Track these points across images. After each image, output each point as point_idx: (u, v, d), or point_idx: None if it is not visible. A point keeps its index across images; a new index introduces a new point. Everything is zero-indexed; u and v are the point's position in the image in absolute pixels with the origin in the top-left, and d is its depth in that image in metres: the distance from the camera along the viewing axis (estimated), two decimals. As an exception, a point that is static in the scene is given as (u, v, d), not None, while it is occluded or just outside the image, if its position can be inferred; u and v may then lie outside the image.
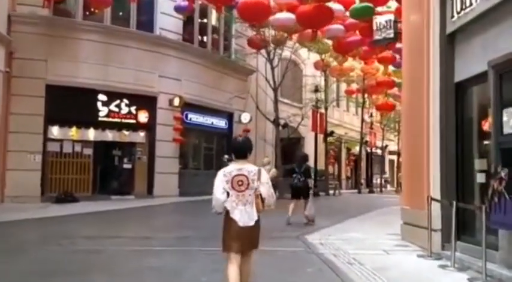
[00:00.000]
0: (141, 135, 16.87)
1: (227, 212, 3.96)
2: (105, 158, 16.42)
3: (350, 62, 24.29)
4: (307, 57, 23.37)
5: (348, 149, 31.33)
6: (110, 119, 16.02)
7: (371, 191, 27.66)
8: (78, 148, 15.66)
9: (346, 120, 30.73)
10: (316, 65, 23.66)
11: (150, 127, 16.83)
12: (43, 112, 14.61)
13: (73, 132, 15.60)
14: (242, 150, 4.12)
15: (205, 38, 19.51)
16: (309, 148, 26.86)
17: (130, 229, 9.13)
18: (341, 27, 14.45)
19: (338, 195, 22.67)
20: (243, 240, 3.95)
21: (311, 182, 11.04)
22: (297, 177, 10.46)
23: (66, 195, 14.48)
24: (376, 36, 9.58)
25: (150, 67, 16.53)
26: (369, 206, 15.62)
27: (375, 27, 9.68)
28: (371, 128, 29.34)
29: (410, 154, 7.81)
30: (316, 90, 21.07)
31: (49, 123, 15.01)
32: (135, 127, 16.63)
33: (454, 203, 5.78)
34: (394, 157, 39.18)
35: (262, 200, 3.94)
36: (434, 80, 6.69)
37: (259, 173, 3.99)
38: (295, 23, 13.23)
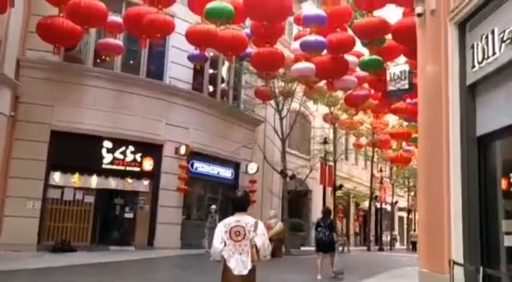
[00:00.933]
0: (144, 184, 16.45)
1: (225, 260, 4.31)
2: (107, 206, 15.94)
3: (360, 115, 24.19)
4: (316, 109, 23.22)
5: (357, 204, 30.56)
6: (114, 167, 15.67)
7: (381, 249, 26.61)
8: (79, 195, 15.21)
9: (354, 174, 30.17)
10: (325, 118, 23.49)
11: (154, 175, 16.43)
12: (46, 158, 14.33)
13: (75, 179, 15.21)
14: (241, 204, 4.60)
15: (214, 88, 19.47)
16: (316, 202, 26.21)
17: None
18: (354, 79, 14.29)
19: (347, 253, 21.72)
20: None
21: (336, 236, 11.33)
22: (322, 231, 10.83)
23: (63, 245, 13.89)
24: (390, 87, 9.30)
25: (157, 115, 16.36)
26: (382, 265, 14.82)
27: (388, 78, 9.42)
28: (381, 183, 28.70)
29: (428, 212, 7.26)
30: (325, 142, 20.71)
31: (51, 169, 14.68)
32: (139, 175, 16.24)
33: (481, 268, 5.19)
34: (404, 214, 38.22)
35: (257, 250, 4.28)
36: (454, 133, 6.27)
37: (256, 225, 4.39)
38: (314, 73, 13.08)
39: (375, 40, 11.71)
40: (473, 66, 5.98)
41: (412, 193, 34.92)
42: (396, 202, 31.76)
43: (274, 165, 19.40)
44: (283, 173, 18.01)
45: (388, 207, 32.82)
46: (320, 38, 11.82)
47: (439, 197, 6.53)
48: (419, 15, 7.28)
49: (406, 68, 9.20)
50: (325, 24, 12.20)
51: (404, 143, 26.63)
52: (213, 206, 16.25)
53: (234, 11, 11.41)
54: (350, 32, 13.73)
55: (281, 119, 17.92)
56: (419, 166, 7.84)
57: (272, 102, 18.47)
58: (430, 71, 7.25)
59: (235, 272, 4.28)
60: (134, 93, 15.90)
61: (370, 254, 23.01)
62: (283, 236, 16.29)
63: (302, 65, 13.41)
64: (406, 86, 8.95)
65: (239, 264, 4.30)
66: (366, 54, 13.85)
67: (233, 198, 4.79)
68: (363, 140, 27.27)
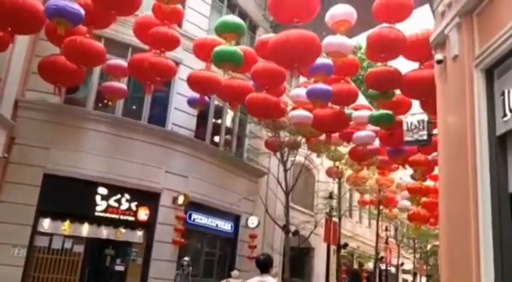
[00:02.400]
0: (138, 235, 15.54)
1: None
2: (97, 257, 14.93)
3: (366, 171, 23.50)
4: (320, 163, 22.60)
5: (360, 264, 29.16)
6: (107, 215, 14.84)
7: (385, 314, 25.08)
8: (68, 244, 14.27)
9: (358, 232, 29.05)
10: (329, 172, 22.78)
11: (149, 226, 15.55)
12: (36, 203, 13.57)
13: (65, 227, 14.33)
14: (265, 265, 5.14)
15: (217, 138, 18.97)
16: (319, 260, 25.01)
17: None
18: (372, 133, 13.77)
19: (351, 317, 20.32)
20: None
21: None
22: None
23: (46, 298, 12.84)
24: (407, 138, 8.71)
25: (157, 162, 15.74)
26: None
27: (405, 128, 8.85)
28: (386, 243, 27.51)
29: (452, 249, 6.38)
30: (331, 197, 19.91)
31: (41, 215, 13.86)
32: (133, 225, 15.37)
33: None
34: (409, 277, 36.60)
35: None
36: (483, 190, 5.59)
37: None
38: (310, 122, 12.61)
39: (388, 91, 11.24)
40: (504, 115, 5.40)
41: (418, 255, 33.63)
42: (402, 264, 30.38)
43: (276, 220, 18.51)
44: (285, 228, 17.09)
45: (393, 269, 31.38)
46: (328, 87, 11.41)
47: (467, 265, 5.73)
48: (439, 62, 6.80)
49: (425, 117, 8.64)
50: (331, 74, 11.85)
51: (401, 199, 25.90)
52: (186, 258, 14.61)
53: (243, 58, 11.11)
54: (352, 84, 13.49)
55: (285, 170, 17.24)
56: (441, 226, 7.05)
57: (277, 153, 17.88)
58: (453, 122, 6.65)
59: None
60: (134, 139, 15.35)
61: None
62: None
63: (299, 112, 12.96)
64: (425, 137, 8.35)
65: None
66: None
67: (258, 260, 5.40)
68: (367, 197, 26.42)
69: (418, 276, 34.24)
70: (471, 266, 5.58)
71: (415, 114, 8.85)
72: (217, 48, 10.86)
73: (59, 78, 11.53)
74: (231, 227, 19.16)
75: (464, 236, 5.81)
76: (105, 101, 14.88)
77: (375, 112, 12.87)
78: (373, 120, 12.17)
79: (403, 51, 9.51)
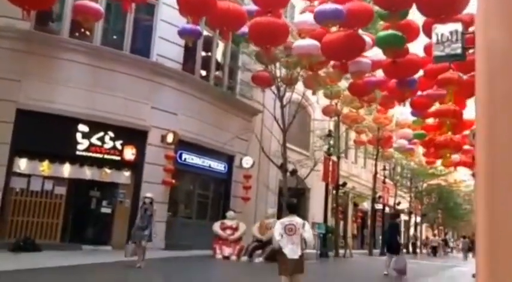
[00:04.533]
0: (125, 175, 14.45)
1: (280, 248, 5.79)
2: (81, 199, 13.93)
3: (363, 110, 22.38)
4: (316, 101, 21.37)
5: (355, 205, 28.74)
6: (90, 154, 13.66)
7: (382, 253, 24.75)
8: (48, 186, 13.20)
9: (354, 172, 28.35)
10: (325, 111, 21.59)
11: (136, 166, 14.45)
12: (9, 141, 12.33)
13: (44, 167, 13.19)
14: (294, 208, 6.28)
15: (207, 72, 17.51)
16: (315, 200, 24.35)
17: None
18: (368, 61, 12.44)
19: (349, 257, 19.88)
20: (290, 267, 5.76)
21: (399, 238, 12.70)
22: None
23: (26, 243, 11.84)
24: (437, 52, 7.40)
25: (142, 97, 14.39)
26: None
27: (435, 40, 7.50)
28: (384, 182, 26.88)
29: (493, 228, 5.29)
30: (329, 135, 18.82)
31: (16, 154, 12.69)
32: (120, 165, 14.24)
33: None
34: (403, 216, 36.54)
35: (305, 242, 5.86)
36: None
37: (303, 224, 5.91)
38: (319, 52, 11.21)
39: (400, 10, 9.80)
40: None
41: (413, 195, 33.35)
42: (399, 203, 30.03)
43: (271, 159, 17.47)
44: (283, 168, 16.06)
45: (387, 210, 31.06)
46: (339, 7, 9.94)
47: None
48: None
49: (459, 27, 7.26)
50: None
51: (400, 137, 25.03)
52: (148, 195, 10.93)
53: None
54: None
55: (282, 106, 15.96)
56: (480, 169, 5.84)
57: (272, 88, 16.50)
58: (498, 36, 5.34)
59: (289, 257, 5.70)
60: (116, 71, 13.89)
61: (374, 259, 21.14)
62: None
63: (306, 41, 11.54)
64: (459, 51, 7.04)
65: (291, 252, 5.71)
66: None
67: (288, 204, 6.81)
68: (364, 137, 25.47)
69: (414, 215, 34.18)
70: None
71: (446, 24, 7.42)
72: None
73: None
74: (225, 167, 18.17)
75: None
76: (81, 29, 13.29)
77: (383, 33, 11.41)
78: (381, 41, 10.77)
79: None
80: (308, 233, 5.89)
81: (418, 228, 36.95)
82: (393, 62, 12.10)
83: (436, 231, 40.95)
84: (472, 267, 18.90)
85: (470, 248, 31.73)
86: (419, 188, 33.83)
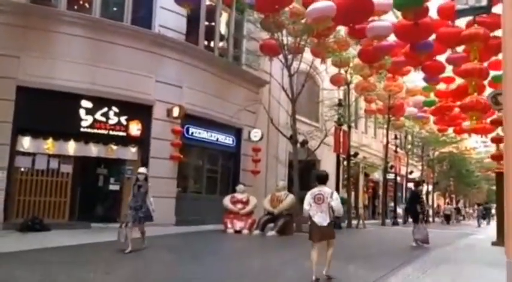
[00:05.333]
0: (132, 151, 14.13)
1: (310, 216, 6.49)
2: (88, 177, 13.70)
3: (373, 78, 21.74)
4: (325, 69, 20.73)
5: (366, 175, 28.36)
6: (95, 131, 13.30)
7: (395, 223, 24.55)
8: (54, 164, 12.91)
9: (364, 143, 27.86)
10: (334, 80, 20.97)
11: (143, 141, 14.09)
12: (12, 119, 12.00)
13: (49, 145, 12.87)
14: (322, 179, 6.77)
15: (212, 43, 16.94)
16: (325, 172, 23.96)
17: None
18: (388, 24, 11.85)
19: (362, 228, 19.62)
20: (321, 234, 6.42)
21: (419, 207, 12.18)
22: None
23: (34, 223, 11.64)
24: (459, 5, 6.83)
25: (145, 70, 13.93)
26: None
27: (457, -10, 6.94)
28: (395, 151, 26.39)
29: None
30: (340, 104, 18.29)
31: (19, 132, 12.36)
32: (125, 141, 13.89)
33: None
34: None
35: (333, 210, 6.44)
36: None
37: (331, 193, 6.54)
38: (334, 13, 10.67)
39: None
40: None
41: (425, 163, 32.91)
42: (411, 172, 29.62)
43: (280, 131, 17.02)
44: (292, 139, 15.62)
45: (398, 179, 30.67)
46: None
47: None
48: None
49: (484, -23, 6.67)
50: None
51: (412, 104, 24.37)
52: (141, 170, 9.72)
53: None
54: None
55: (290, 75, 15.39)
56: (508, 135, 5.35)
57: (279, 57, 15.93)
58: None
59: (318, 224, 6.36)
60: (117, 43, 13.41)
61: (388, 229, 20.86)
62: (294, 210, 14.10)
63: (321, 3, 10.98)
64: (484, 3, 6.47)
65: (320, 219, 6.37)
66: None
67: (318, 175, 6.88)
68: (374, 106, 24.88)
69: (426, 184, 33.80)
70: None
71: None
72: None
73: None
74: (233, 141, 17.78)
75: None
76: (80, 1, 12.80)
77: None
78: (399, 2, 10.15)
79: None
80: (335, 202, 6.43)
81: (430, 196, 36.63)
82: (415, 25, 11.50)
83: (448, 200, 40.62)
84: (489, 234, 18.63)
85: (484, 215, 31.51)
86: (430, 156, 33.34)
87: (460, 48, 14.64)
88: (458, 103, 21.26)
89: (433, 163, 34.14)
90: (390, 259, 9.08)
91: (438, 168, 35.53)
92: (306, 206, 6.52)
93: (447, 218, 31.99)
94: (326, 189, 6.50)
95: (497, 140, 17.82)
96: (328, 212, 6.36)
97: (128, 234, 8.54)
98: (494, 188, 63.54)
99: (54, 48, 12.61)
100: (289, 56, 15.61)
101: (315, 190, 6.54)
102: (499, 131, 19.56)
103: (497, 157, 16.29)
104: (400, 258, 9.20)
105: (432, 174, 33.60)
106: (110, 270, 6.74)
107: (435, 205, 40.05)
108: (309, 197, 6.54)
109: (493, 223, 38.53)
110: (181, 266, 7.42)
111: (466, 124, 25.51)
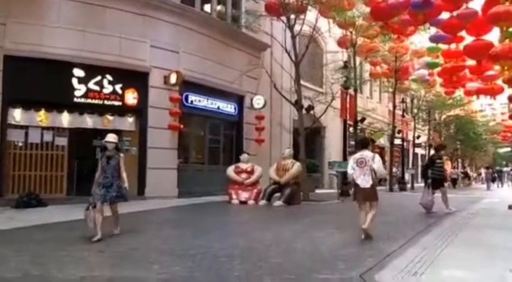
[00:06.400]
0: (129, 121, 13.49)
1: (353, 180, 6.94)
2: (84, 149, 13.04)
3: (378, 40, 20.82)
4: (328, 31, 19.78)
5: (373, 141, 27.67)
6: (89, 101, 12.65)
7: (402, 189, 24.03)
8: (48, 137, 12.35)
9: (369, 107, 27.08)
10: (341, 42, 20.08)
11: (140, 111, 13.46)
12: (0, 90, 11.34)
13: (41, 117, 12.25)
14: (364, 144, 7.28)
15: (209, 6, 16.02)
16: (330, 140, 23.45)
17: (87, 263, 5.72)
18: None
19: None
20: (365, 195, 6.89)
21: (429, 172, 11.54)
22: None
23: (30, 198, 11.11)
24: None
25: (139, 34, 13.16)
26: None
27: None
28: (403, 116, 25.62)
29: None
30: (346, 66, 17.45)
31: (9, 104, 11.75)
32: (122, 111, 13.25)
33: None
34: (421, 151, 35.59)
35: (375, 172, 6.79)
36: None
37: (373, 157, 6.89)
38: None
39: None
40: None
41: (432, 127, 32.21)
42: (418, 136, 28.89)
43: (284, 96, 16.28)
44: (298, 104, 14.88)
45: (406, 144, 30.00)
46: None
47: None
48: None
49: None
50: None
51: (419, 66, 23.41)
52: (111, 138, 7.33)
53: None
54: None
55: (293, 36, 14.52)
56: None
57: (282, 18, 15.02)
58: None
59: (361, 186, 6.85)
60: (107, 7, 12.58)
61: (397, 195, 20.28)
62: (301, 179, 13.53)
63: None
64: None
65: (363, 181, 6.83)
66: None
67: (360, 140, 8.47)
68: (379, 69, 23.99)
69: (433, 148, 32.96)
70: None
71: None
72: None
73: None
74: (235, 108, 17.10)
75: None
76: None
77: None
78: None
79: None
80: (377, 164, 6.82)
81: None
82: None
83: (455, 164, 40.05)
84: (503, 197, 18.09)
85: (493, 178, 30.99)
86: (437, 119, 32.58)
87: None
88: (468, 63, 20.59)
89: (440, 127, 33.39)
90: (406, 227, 8.53)
91: (445, 133, 34.79)
92: (349, 170, 6.99)
93: (454, 182, 31.61)
94: (367, 153, 6.93)
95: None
96: (371, 175, 6.76)
97: (96, 218, 6.62)
98: (500, 151, 63.07)
99: (42, 13, 11.87)
100: (292, 16, 14.72)
101: (357, 155, 7.01)
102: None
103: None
104: (415, 227, 8.65)
105: (439, 138, 32.91)
106: (105, 247, 6.18)
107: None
108: (351, 162, 7.06)
109: (506, 186, 38.29)
110: (185, 240, 6.87)
111: (473, 85, 24.80)
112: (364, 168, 6.75)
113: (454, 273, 5.06)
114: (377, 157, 6.87)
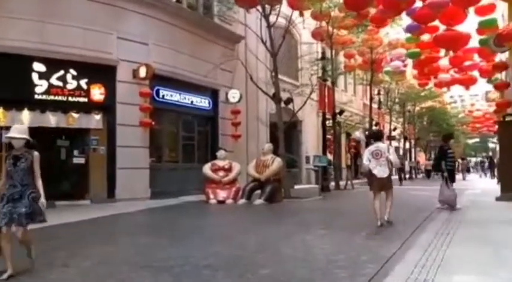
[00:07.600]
0: (96, 119, 12.56)
1: (370, 170, 7.53)
2: (48, 150, 11.96)
3: (352, 34, 20.43)
4: (302, 21, 19.23)
5: (347, 134, 27.37)
6: (52, 97, 11.70)
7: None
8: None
9: (344, 100, 26.79)
10: (315, 34, 19.55)
11: (107, 107, 12.57)
12: (-49, 87, 10.32)
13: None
14: (378, 137, 8.23)
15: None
16: (307, 133, 22.98)
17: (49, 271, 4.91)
18: None
19: (351, 189, 18.70)
20: (380, 185, 7.56)
21: (443, 164, 10.42)
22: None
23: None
24: None
25: (105, 25, 12.27)
26: (417, 205, 11.70)
27: None
28: (379, 108, 25.37)
29: None
30: (323, 58, 16.92)
31: (-37, 103, 10.67)
32: (88, 107, 12.32)
33: None
34: (394, 143, 35.57)
35: (391, 163, 7.54)
36: None
37: (388, 148, 7.77)
38: None
39: None
40: None
41: (406, 119, 32.21)
42: (395, 128, 28.75)
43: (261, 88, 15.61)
44: (276, 97, 14.25)
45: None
46: None
47: None
48: None
49: None
50: None
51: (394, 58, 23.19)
52: (16, 134, 4.76)
53: None
54: None
55: (269, 26, 13.87)
56: None
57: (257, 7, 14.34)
58: None
59: (378, 176, 7.47)
60: (69, -5, 11.64)
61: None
62: (282, 175, 12.93)
63: None
64: None
65: (380, 172, 7.47)
66: None
67: (373, 133, 9.24)
68: (353, 61, 23.62)
69: (408, 141, 33.16)
70: None
71: None
72: None
73: None
74: (209, 103, 16.35)
75: None
76: None
77: None
78: None
79: None
80: (393, 155, 7.53)
81: (412, 152, 36.21)
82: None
83: (429, 155, 40.34)
84: (483, 188, 17.93)
85: (468, 168, 31.21)
86: (411, 111, 32.62)
87: None
88: (442, 54, 20.46)
89: (414, 119, 33.46)
90: (398, 224, 8.00)
91: (419, 125, 34.92)
92: (365, 161, 7.58)
93: (428, 173, 31.81)
94: (382, 145, 7.64)
95: (502, 86, 16.80)
96: (387, 165, 7.40)
97: (3, 248, 4.64)
98: (470, 141, 64.18)
99: (-5, 3, 10.80)
100: (267, 6, 14.05)
101: (372, 147, 7.58)
102: (502, 75, 18.57)
103: (503, 105, 15.35)
104: (407, 223, 8.16)
105: (413, 130, 32.95)
106: (70, 260, 5.39)
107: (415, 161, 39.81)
108: (367, 153, 7.60)
109: (477, 176, 38.67)
110: (160, 250, 6.12)
111: (445, 76, 24.76)
112: (380, 160, 7.40)
113: (466, 278, 4.52)
114: (391, 148, 7.63)
